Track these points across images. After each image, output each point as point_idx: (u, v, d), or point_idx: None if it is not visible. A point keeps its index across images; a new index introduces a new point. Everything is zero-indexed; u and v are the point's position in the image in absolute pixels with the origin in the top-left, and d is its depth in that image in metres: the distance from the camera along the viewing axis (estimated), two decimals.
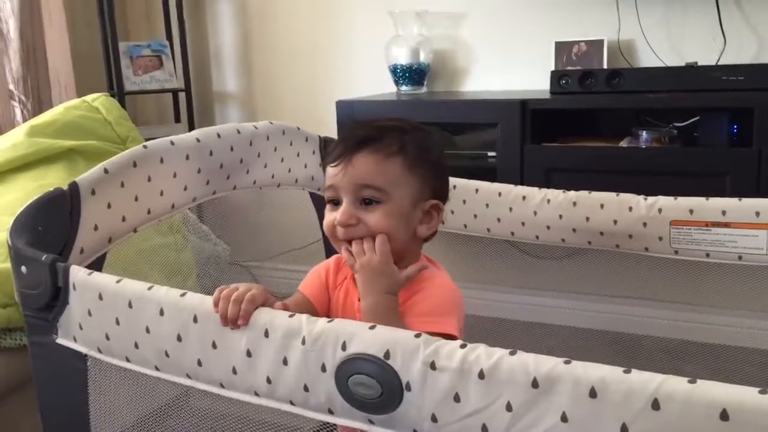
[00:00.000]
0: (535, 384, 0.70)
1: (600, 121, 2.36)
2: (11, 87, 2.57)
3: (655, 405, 0.65)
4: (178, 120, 3.08)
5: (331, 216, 1.08)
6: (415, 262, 1.09)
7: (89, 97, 2.16)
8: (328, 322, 0.82)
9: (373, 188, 1.05)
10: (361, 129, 1.11)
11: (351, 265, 1.07)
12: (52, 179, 1.89)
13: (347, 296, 1.12)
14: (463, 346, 0.75)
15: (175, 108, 3.08)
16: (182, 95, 3.01)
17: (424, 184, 1.09)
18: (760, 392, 0.62)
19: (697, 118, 2.10)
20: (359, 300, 1.07)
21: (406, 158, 1.07)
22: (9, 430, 1.56)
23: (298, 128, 1.58)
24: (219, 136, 1.38)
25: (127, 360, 0.95)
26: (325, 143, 1.64)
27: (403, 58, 2.55)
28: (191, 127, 2.96)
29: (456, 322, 1.04)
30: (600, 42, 2.36)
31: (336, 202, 1.08)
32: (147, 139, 1.47)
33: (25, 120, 2.47)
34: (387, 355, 0.76)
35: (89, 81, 2.82)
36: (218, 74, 3.11)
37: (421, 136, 1.12)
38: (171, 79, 2.96)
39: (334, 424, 0.88)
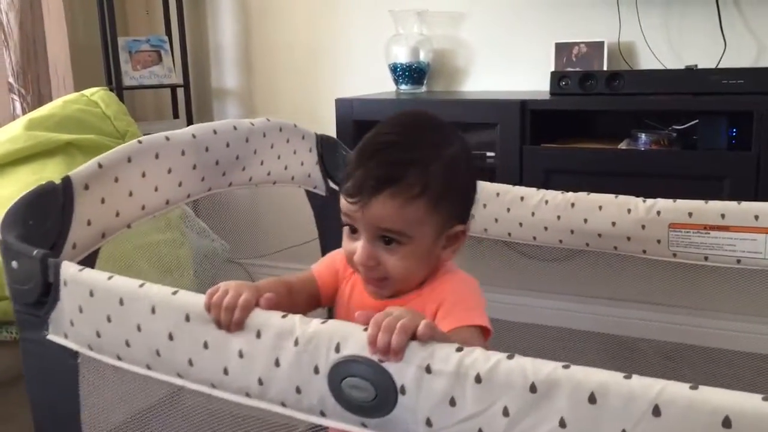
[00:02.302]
0: (533, 388, 0.68)
1: (599, 123, 2.36)
2: (11, 80, 2.56)
3: (656, 411, 0.64)
4: (176, 116, 3.07)
5: (350, 246, 1.02)
6: (437, 274, 1.07)
7: (88, 91, 2.15)
8: (322, 323, 0.81)
9: (393, 232, 0.99)
10: (380, 165, 0.99)
11: (371, 293, 1.05)
12: (50, 173, 1.88)
13: (354, 290, 1.11)
14: (459, 350, 0.73)
15: (173, 104, 3.07)
16: (181, 91, 3.01)
17: (450, 216, 1.03)
18: (764, 399, 0.61)
19: (697, 121, 2.09)
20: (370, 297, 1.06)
21: (429, 198, 0.99)
22: (5, 423, 1.55)
23: (295, 125, 1.57)
24: (215, 132, 1.37)
25: (118, 358, 0.94)
26: (321, 141, 1.62)
27: (403, 57, 2.54)
28: (189, 123, 2.95)
29: (484, 313, 1.00)
30: (600, 44, 2.36)
31: (354, 230, 1.02)
32: (145, 135, 1.46)
33: (24, 113, 2.46)
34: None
35: (88, 75, 2.81)
36: (217, 70, 3.11)
37: (448, 158, 1.02)
38: (170, 75, 2.95)
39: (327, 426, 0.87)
